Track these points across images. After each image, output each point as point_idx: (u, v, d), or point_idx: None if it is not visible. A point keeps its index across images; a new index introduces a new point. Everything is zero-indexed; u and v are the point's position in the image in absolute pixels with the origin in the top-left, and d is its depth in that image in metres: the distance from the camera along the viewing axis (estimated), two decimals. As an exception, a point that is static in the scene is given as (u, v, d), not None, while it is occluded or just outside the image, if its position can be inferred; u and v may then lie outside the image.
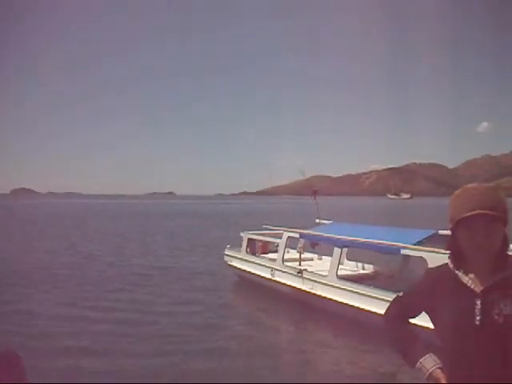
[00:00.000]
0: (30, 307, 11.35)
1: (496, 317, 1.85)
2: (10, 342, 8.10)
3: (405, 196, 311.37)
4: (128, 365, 7.77)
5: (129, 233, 33.87)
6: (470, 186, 2.01)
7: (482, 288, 1.92)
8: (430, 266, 8.62)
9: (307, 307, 11.06)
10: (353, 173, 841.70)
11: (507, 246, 1.98)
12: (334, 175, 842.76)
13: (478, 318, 1.88)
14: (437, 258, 8.55)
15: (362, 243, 10.46)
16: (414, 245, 9.35)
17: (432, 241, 9.70)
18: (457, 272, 2.00)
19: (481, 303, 1.89)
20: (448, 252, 2.09)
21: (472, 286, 1.94)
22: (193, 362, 8.03)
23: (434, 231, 10.04)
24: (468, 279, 1.96)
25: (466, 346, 1.90)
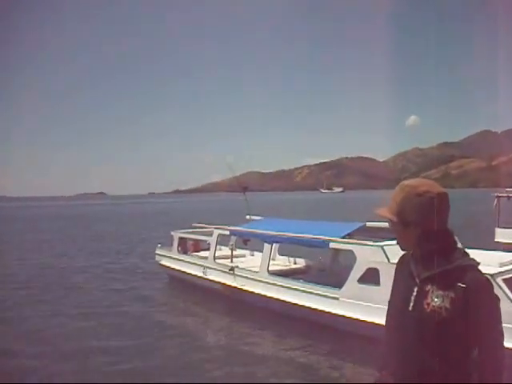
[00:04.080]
0: None
1: (425, 306, 1.98)
2: None
3: (337, 190, 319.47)
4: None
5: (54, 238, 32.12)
6: (402, 183, 2.15)
7: (421, 278, 2.04)
8: (359, 258, 8.68)
9: (239, 304, 10.97)
10: (285, 168, 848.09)
11: (437, 242, 2.03)
12: (266, 171, 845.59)
13: (411, 304, 2.03)
14: (365, 250, 8.65)
15: (292, 238, 10.48)
16: (343, 238, 9.43)
17: (360, 233, 9.83)
18: (411, 259, 2.14)
19: (417, 291, 2.03)
20: (378, 243, 2.27)
21: (415, 274, 2.07)
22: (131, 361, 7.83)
23: (362, 224, 10.14)
24: (415, 268, 2.08)
25: (399, 328, 2.08)
